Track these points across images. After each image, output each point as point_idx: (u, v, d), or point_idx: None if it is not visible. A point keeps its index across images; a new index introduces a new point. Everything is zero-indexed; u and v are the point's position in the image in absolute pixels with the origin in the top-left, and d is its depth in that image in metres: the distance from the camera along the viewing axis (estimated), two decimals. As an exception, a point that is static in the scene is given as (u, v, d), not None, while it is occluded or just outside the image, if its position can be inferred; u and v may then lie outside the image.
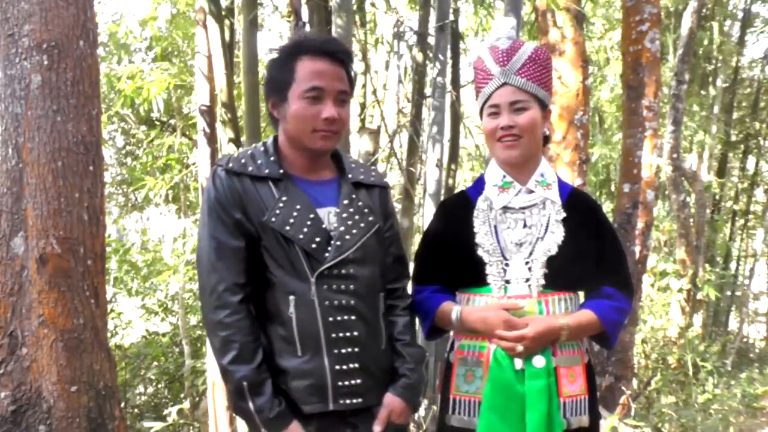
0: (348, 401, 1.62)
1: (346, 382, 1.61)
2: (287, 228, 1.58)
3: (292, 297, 1.58)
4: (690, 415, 5.30)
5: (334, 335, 1.60)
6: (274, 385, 1.58)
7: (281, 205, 1.60)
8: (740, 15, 9.20)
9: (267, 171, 1.63)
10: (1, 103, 2.27)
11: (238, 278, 1.58)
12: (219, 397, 4.54)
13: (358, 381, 1.63)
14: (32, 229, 2.22)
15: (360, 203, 1.70)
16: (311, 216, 1.61)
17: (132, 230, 9.96)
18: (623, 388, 4.59)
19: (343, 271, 1.62)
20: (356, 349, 1.62)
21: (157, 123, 8.15)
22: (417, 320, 1.88)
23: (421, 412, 4.51)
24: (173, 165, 6.84)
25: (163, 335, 7.71)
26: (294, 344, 1.59)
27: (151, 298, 7.91)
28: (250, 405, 1.55)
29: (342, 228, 1.64)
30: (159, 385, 7.66)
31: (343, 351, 1.61)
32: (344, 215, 1.65)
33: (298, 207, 1.60)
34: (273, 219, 1.58)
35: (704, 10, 7.80)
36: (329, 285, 1.60)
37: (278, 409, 1.56)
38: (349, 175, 1.73)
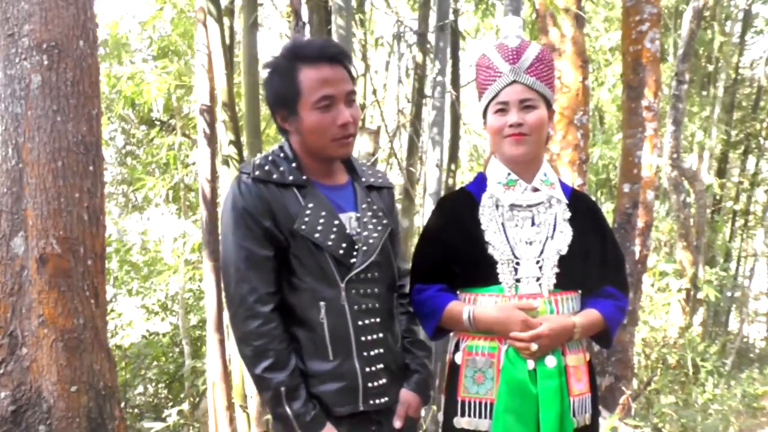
0: (376, 401, 1.66)
1: (375, 383, 1.65)
2: (317, 235, 1.59)
3: (322, 303, 1.60)
4: (690, 415, 5.30)
5: (363, 338, 1.63)
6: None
7: (308, 212, 1.60)
8: (740, 15, 9.20)
9: (291, 178, 1.62)
10: (1, 103, 2.27)
11: (268, 287, 1.58)
12: (219, 397, 4.54)
13: (384, 381, 1.67)
14: (32, 229, 2.22)
15: (375, 207, 1.72)
16: (336, 222, 1.62)
17: (132, 230, 9.95)
18: (623, 388, 4.59)
19: (369, 275, 1.65)
20: (381, 350, 1.66)
21: (157, 123, 8.15)
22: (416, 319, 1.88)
23: (421, 411, 4.51)
24: (173, 162, 6.83)
25: (163, 335, 7.71)
26: (325, 349, 1.61)
27: (151, 298, 7.91)
28: (288, 410, 1.57)
29: (365, 233, 1.66)
30: (159, 385, 7.65)
31: (372, 353, 1.64)
32: (364, 220, 1.67)
33: (323, 213, 1.61)
34: (303, 226, 1.58)
35: (705, 12, 7.80)
36: (357, 289, 1.63)
37: (314, 412, 1.58)
38: (362, 179, 1.74)
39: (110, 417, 2.34)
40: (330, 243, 1.59)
